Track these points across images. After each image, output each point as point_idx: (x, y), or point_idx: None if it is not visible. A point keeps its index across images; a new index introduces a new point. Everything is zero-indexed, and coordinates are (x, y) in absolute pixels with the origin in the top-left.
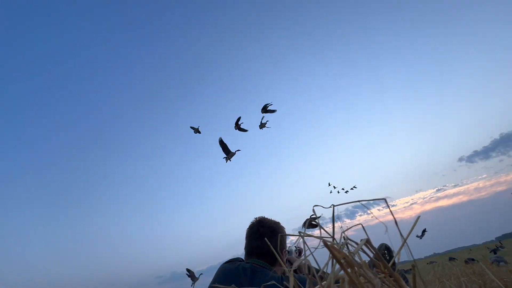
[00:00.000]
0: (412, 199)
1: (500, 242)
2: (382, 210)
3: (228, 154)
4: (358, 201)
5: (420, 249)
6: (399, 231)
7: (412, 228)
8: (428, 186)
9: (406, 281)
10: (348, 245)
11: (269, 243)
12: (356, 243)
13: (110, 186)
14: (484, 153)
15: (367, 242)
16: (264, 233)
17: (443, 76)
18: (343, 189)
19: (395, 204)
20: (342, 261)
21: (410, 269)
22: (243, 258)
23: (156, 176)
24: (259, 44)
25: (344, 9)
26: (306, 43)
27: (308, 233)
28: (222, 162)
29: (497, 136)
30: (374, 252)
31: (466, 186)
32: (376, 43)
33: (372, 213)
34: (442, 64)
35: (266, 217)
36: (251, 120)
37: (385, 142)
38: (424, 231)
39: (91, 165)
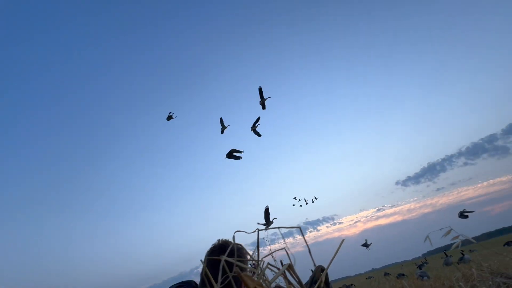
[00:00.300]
0: (356, 217)
1: (425, 258)
2: (330, 227)
3: (267, 221)
4: (278, 227)
5: (361, 265)
6: (313, 260)
7: (336, 253)
8: (370, 206)
9: None
10: (271, 270)
11: (208, 272)
12: (279, 269)
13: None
14: (415, 178)
15: (289, 267)
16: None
17: (384, 112)
18: (305, 200)
19: (342, 221)
20: None
21: (348, 285)
22: (196, 283)
23: (97, 190)
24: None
25: (305, 38)
26: (272, 66)
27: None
28: (166, 176)
29: (425, 165)
30: (297, 279)
31: (400, 207)
32: (332, 70)
33: (269, 249)
34: (383, 101)
35: (229, 240)
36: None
37: (335, 165)
38: (367, 244)
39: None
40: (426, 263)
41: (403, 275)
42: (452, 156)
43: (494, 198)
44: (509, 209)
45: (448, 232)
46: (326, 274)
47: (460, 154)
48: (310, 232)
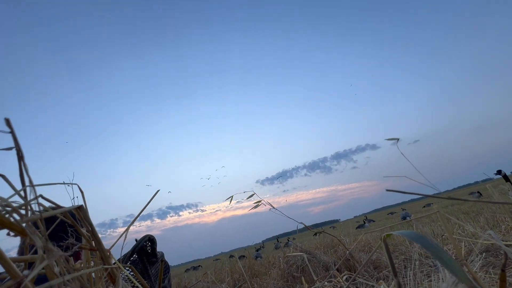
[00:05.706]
0: (218, 206)
1: (263, 243)
2: (192, 213)
3: None
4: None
5: (211, 249)
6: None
7: (149, 201)
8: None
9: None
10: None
11: None
12: (59, 207)
13: None
14: (271, 180)
15: (80, 210)
16: None
17: (259, 122)
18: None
19: (205, 209)
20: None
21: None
22: None
23: None
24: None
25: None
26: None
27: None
28: None
29: (280, 170)
30: (89, 227)
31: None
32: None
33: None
34: (266, 110)
35: None
36: None
37: (212, 156)
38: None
39: None
40: (263, 247)
41: (244, 256)
42: (298, 167)
43: (316, 202)
44: (323, 211)
45: (251, 195)
46: (154, 244)
47: (304, 167)
48: (171, 216)
